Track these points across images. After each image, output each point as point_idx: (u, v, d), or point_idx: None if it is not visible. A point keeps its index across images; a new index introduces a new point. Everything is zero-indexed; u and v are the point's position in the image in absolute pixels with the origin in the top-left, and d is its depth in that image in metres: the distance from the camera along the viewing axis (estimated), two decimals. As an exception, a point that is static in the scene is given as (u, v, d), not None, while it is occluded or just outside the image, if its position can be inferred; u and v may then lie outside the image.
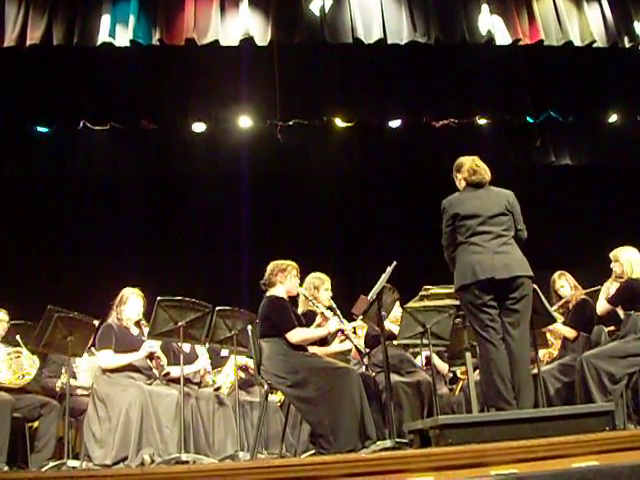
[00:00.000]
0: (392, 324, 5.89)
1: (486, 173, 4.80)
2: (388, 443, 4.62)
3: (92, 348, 5.78)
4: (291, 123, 8.09)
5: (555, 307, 6.11)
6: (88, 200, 8.72)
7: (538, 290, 5.14)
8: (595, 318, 5.94)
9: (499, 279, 4.47)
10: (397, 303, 5.91)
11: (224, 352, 6.34)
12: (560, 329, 6.02)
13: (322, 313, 5.39)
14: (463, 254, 4.62)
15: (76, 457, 5.45)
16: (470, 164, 4.81)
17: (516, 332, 4.50)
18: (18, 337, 5.70)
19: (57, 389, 5.89)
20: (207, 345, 5.92)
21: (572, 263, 7.24)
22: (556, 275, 6.25)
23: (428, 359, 6.01)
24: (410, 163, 9.00)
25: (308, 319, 5.45)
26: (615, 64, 8.03)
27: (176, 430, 5.13)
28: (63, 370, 5.89)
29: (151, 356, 5.56)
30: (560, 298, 6.17)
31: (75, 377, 6.02)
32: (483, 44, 7.20)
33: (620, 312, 5.77)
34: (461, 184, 4.87)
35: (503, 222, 4.65)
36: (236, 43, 6.86)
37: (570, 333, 5.98)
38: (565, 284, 6.15)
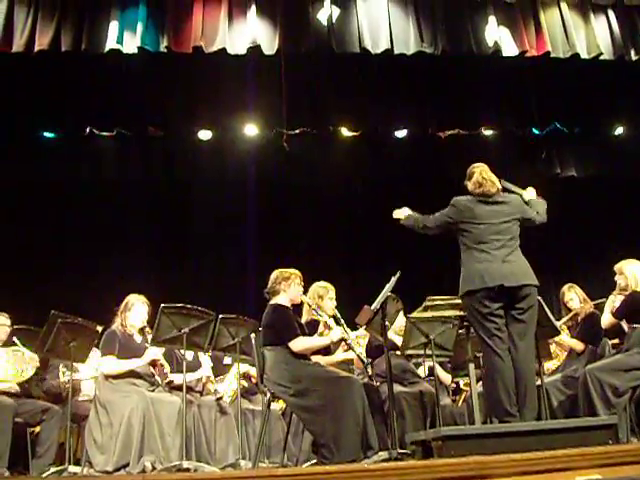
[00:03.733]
0: (395, 335, 5.89)
1: (493, 185, 4.80)
2: (390, 453, 4.60)
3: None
4: (297, 132, 8.10)
5: (564, 320, 6.10)
6: (94, 206, 8.73)
7: (542, 302, 5.13)
8: (602, 331, 5.92)
9: (508, 287, 4.48)
10: (401, 313, 5.90)
11: (227, 360, 6.33)
12: (568, 342, 6.01)
13: (325, 322, 5.39)
14: (470, 260, 4.63)
15: (77, 463, 5.43)
16: (477, 176, 4.82)
17: (522, 343, 4.50)
18: (15, 338, 5.70)
19: (61, 386, 5.87)
20: (210, 353, 5.92)
21: (577, 275, 7.24)
22: (565, 288, 6.24)
23: (431, 370, 6.00)
24: (415, 173, 9.00)
25: (312, 328, 5.45)
26: (621, 77, 8.03)
27: (178, 437, 5.12)
28: (61, 369, 5.89)
29: (154, 363, 5.56)
30: (569, 310, 6.15)
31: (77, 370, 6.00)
32: (490, 55, 7.20)
33: (624, 325, 5.75)
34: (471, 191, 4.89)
35: (510, 231, 4.67)
36: (243, 51, 6.88)
37: (578, 346, 5.96)
38: (574, 297, 6.14)
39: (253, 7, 6.91)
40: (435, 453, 4.14)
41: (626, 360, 5.43)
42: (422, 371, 6.28)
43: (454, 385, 6.73)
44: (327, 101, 8.03)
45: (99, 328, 5.60)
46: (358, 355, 5.44)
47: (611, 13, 7.49)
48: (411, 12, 7.15)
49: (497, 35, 7.12)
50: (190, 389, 5.75)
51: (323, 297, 5.63)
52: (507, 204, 4.77)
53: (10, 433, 5.15)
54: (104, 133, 7.91)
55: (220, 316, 5.49)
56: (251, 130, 8.30)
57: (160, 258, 8.72)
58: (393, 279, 4.97)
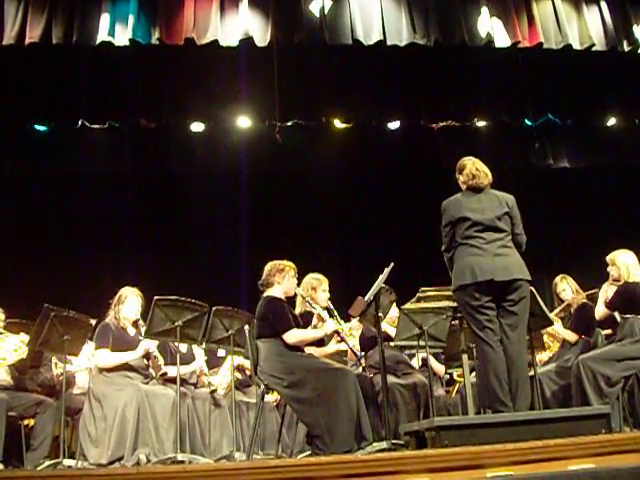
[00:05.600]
0: (388, 325, 5.90)
1: (486, 177, 4.80)
2: (384, 444, 4.61)
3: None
4: (290, 124, 8.08)
5: (557, 310, 6.13)
6: (86, 198, 8.70)
7: (535, 292, 5.14)
8: (595, 321, 5.94)
9: (498, 281, 4.49)
10: (394, 304, 5.90)
11: (221, 352, 6.33)
12: (561, 332, 6.03)
13: (319, 314, 5.39)
14: (462, 255, 4.62)
15: (72, 456, 5.43)
16: (470, 168, 4.81)
17: (514, 334, 4.51)
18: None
19: (55, 379, 5.86)
20: (204, 345, 5.91)
21: (569, 266, 7.25)
22: (558, 278, 6.26)
23: (424, 361, 6.02)
24: (408, 165, 9.00)
25: (306, 320, 5.45)
26: (614, 68, 8.04)
27: (172, 430, 5.13)
28: (54, 361, 5.89)
29: (148, 355, 5.56)
30: (562, 301, 6.18)
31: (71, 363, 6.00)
32: (482, 46, 7.22)
33: (617, 315, 5.77)
34: (463, 186, 4.89)
35: (502, 225, 4.66)
36: (235, 43, 6.87)
37: (571, 336, 5.99)
38: (567, 287, 6.16)
39: (245, -2, 6.90)
40: (429, 443, 4.15)
41: (619, 350, 5.46)
42: (415, 362, 6.30)
43: (447, 376, 6.75)
44: (319, 93, 8.02)
45: (92, 321, 5.60)
46: (351, 348, 5.45)
47: (603, 4, 7.50)
48: (403, 3, 7.15)
49: (490, 26, 7.13)
50: (184, 381, 5.75)
51: (316, 289, 5.63)
52: (497, 197, 4.76)
53: (4, 426, 5.14)
54: (96, 126, 7.88)
55: (214, 308, 5.48)
56: (243, 122, 8.28)
57: (153, 250, 8.70)
58: (386, 270, 4.97)
